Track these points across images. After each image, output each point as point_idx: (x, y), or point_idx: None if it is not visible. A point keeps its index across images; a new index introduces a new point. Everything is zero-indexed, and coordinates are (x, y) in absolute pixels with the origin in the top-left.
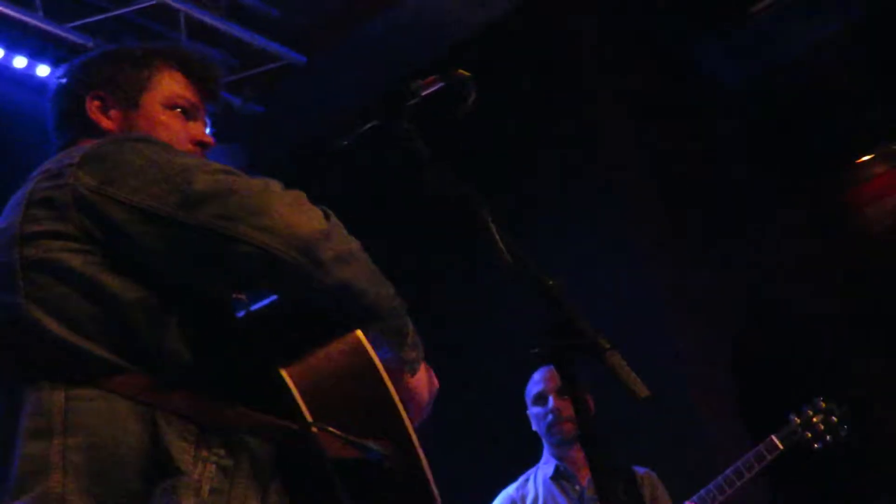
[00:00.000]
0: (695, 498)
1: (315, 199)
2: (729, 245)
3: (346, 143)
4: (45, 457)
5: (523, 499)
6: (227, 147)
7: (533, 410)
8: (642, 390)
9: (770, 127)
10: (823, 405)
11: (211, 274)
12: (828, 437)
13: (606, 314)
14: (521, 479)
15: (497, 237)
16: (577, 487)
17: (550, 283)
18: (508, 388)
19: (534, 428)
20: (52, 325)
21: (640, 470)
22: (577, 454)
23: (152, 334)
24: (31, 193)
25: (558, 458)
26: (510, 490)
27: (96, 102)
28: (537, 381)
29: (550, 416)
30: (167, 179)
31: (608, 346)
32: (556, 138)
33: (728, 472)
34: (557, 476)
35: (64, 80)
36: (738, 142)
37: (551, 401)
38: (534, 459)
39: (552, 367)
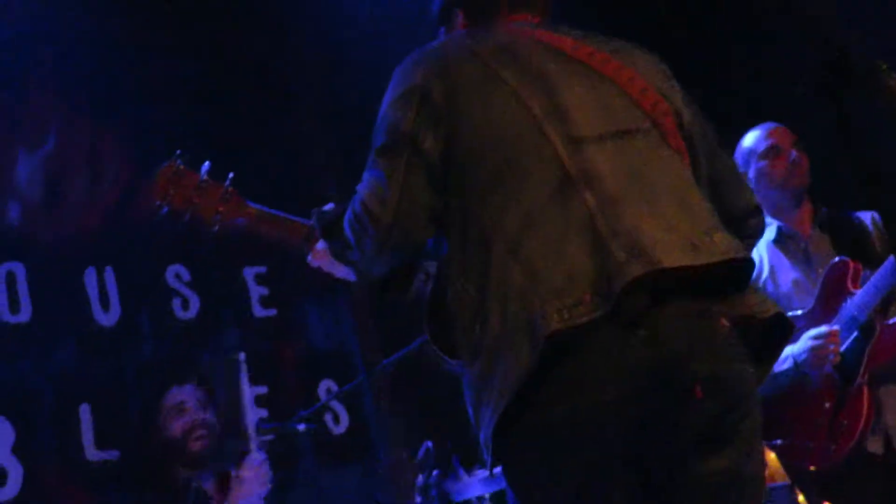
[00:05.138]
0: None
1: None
2: None
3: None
4: None
5: None
6: None
7: (759, 165)
8: None
9: None
10: None
11: None
12: None
13: None
14: None
15: None
16: (802, 244)
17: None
18: None
19: (754, 187)
20: None
21: (864, 216)
22: (801, 212)
23: None
24: None
25: (781, 219)
26: None
27: None
28: (768, 136)
29: (794, 168)
30: None
31: (885, 65)
32: None
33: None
34: (780, 237)
35: None
36: None
37: (794, 153)
38: None
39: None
